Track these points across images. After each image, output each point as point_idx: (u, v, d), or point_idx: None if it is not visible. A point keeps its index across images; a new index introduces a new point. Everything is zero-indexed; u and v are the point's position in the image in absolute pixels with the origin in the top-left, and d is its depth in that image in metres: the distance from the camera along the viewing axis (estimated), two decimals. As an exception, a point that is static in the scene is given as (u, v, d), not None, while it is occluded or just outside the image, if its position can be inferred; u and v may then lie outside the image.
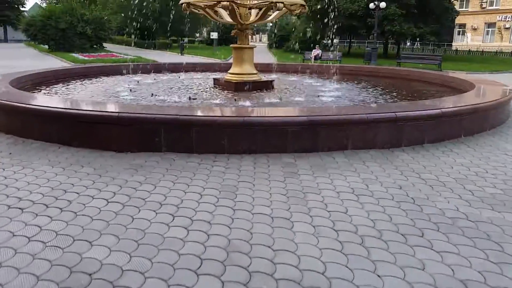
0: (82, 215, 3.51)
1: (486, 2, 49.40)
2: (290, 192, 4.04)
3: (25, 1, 63.64)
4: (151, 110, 5.65)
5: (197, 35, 68.02)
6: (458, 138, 6.29)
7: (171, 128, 5.33)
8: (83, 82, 11.30)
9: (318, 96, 9.02)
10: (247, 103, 7.90)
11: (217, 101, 8.16)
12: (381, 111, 5.76)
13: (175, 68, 14.97)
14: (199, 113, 5.71)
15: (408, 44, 48.35)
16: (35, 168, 4.76)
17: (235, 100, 8.35)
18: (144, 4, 34.36)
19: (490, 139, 6.41)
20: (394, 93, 9.84)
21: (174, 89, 10.06)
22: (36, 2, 64.27)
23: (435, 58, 22.88)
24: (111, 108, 5.92)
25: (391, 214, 3.58)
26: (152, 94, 8.86)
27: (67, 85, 10.50)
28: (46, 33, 31.77)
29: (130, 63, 13.69)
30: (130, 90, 9.49)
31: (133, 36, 45.75)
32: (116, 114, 5.40)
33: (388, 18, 29.30)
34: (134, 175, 4.51)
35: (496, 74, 20.91)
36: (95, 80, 11.80)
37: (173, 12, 29.00)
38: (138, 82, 11.29)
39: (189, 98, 8.52)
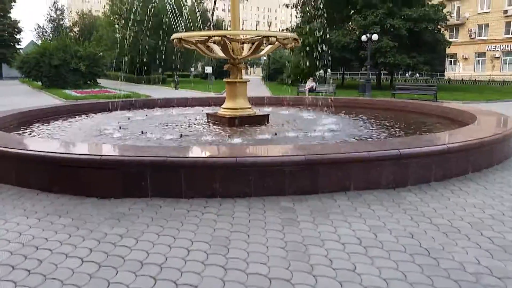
0: (52, 278, 3.05)
1: (475, 32, 50.37)
2: (290, 245, 3.59)
3: (21, 39, 64.28)
4: (137, 152, 5.25)
5: (192, 69, 68.65)
6: (466, 174, 5.91)
7: (158, 171, 4.92)
8: (71, 120, 10.94)
9: (315, 130, 8.69)
10: (241, 140, 7.54)
11: (209, 138, 7.78)
12: (383, 148, 5.39)
13: (167, 103, 14.70)
14: (188, 153, 5.32)
15: (407, 75, 48.77)
16: (7, 219, 4.30)
17: (228, 137, 8.00)
18: (141, 40, 34.60)
19: (499, 174, 6.02)
20: (393, 127, 9.53)
21: (165, 125, 9.72)
22: (32, 40, 64.88)
23: (430, 89, 22.84)
24: (94, 150, 5.52)
25: (405, 270, 3.13)
26: (142, 132, 8.49)
27: (54, 123, 10.13)
28: (39, 70, 31.74)
29: (121, 99, 13.44)
30: (120, 128, 9.12)
31: (121, 73, 45.98)
32: (99, 157, 4.99)
33: (381, 51, 29.57)
34: (114, 226, 4.06)
35: (492, 104, 20.82)
36: (84, 117, 11.45)
37: (167, 47, 29.14)
38: (129, 118, 10.96)
39: (181, 135, 8.17)
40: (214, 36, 9.21)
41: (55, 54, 31.29)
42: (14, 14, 62.96)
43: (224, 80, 10.58)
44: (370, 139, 7.66)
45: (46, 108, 12.21)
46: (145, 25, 30.39)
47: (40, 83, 33.61)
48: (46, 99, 23.69)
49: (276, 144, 7.37)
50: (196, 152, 5.51)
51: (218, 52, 10.41)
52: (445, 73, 49.60)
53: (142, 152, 5.19)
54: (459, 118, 10.11)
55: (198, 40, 9.86)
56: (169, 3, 11.49)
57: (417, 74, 46.59)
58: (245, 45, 10.13)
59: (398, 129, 9.13)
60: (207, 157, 5.12)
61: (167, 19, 11.54)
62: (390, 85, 35.59)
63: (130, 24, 30.05)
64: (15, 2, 62.67)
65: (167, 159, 4.89)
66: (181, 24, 11.98)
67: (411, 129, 9.19)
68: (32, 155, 5.32)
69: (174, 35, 9.90)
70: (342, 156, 5.10)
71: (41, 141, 6.98)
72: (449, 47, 38.31)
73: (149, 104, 14.69)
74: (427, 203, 4.74)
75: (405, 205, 4.65)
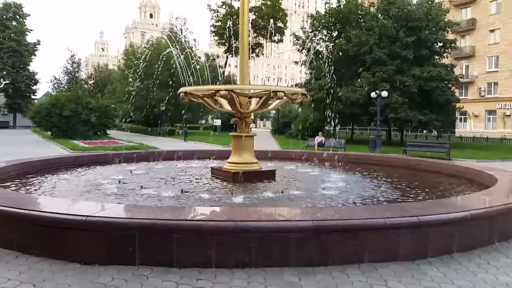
0: None
1: (485, 90, 50.58)
2: (292, 335, 3.00)
3: (37, 90, 66.17)
4: (126, 212, 4.78)
5: (203, 121, 69.44)
6: (491, 245, 5.29)
7: (148, 235, 4.42)
8: (71, 172, 10.59)
9: (324, 189, 8.17)
10: (243, 199, 7.04)
11: (211, 196, 7.29)
12: (401, 215, 4.84)
13: (173, 155, 14.37)
14: (181, 215, 4.82)
15: (418, 132, 48.35)
16: (-27, 288, 3.79)
17: (231, 194, 7.52)
18: (152, 93, 35.17)
19: (530, 245, 5.39)
20: (408, 187, 8.97)
21: (167, 180, 9.30)
22: (47, 91, 66.72)
23: (443, 146, 22.32)
24: (80, 209, 5.05)
25: None
26: (142, 187, 8.06)
27: (52, 176, 9.76)
28: (50, 120, 32.14)
29: (127, 151, 13.15)
30: (119, 182, 8.71)
31: (128, 124, 46.46)
32: (84, 217, 4.52)
33: (391, 106, 29.47)
34: (91, 303, 3.51)
35: (507, 162, 20.18)
36: (85, 170, 11.10)
37: (177, 99, 29.43)
38: (131, 171, 10.58)
39: (181, 191, 7.72)
40: (221, 90, 9.02)
41: (66, 105, 31.82)
42: (32, 66, 65.03)
43: (231, 134, 10.29)
44: (385, 203, 7.09)
45: (48, 159, 11.91)
46: (155, 79, 30.97)
47: (50, 133, 33.93)
48: (54, 149, 23.64)
49: (282, 204, 6.86)
50: (191, 214, 5.01)
51: (226, 106, 10.21)
52: (456, 130, 49.31)
53: (132, 213, 4.72)
54: (476, 178, 9.55)
55: (205, 94, 9.69)
56: (179, 59, 11.43)
57: (425, 131, 46.35)
58: (253, 99, 9.94)
59: (413, 191, 8.56)
60: (203, 220, 4.63)
61: (178, 74, 11.48)
62: (401, 141, 35.24)
63: (142, 77, 30.66)
64: (35, 55, 65.21)
65: (159, 221, 4.40)
66: (191, 78, 11.92)
67: (428, 191, 8.62)
68: (12, 213, 4.87)
69: (181, 89, 9.77)
70: (355, 223, 4.56)
71: (25, 197, 6.54)
72: (462, 107, 38.28)
73: (155, 156, 14.36)
74: (451, 279, 4.13)
75: (427, 282, 4.04)
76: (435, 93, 30.44)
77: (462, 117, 52.02)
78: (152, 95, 35.44)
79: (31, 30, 63.93)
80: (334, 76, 31.06)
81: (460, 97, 40.81)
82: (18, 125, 64.79)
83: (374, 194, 7.85)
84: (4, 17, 61.07)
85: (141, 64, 33.61)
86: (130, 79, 40.84)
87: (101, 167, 11.58)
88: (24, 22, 63.46)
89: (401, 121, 31.06)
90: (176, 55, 11.30)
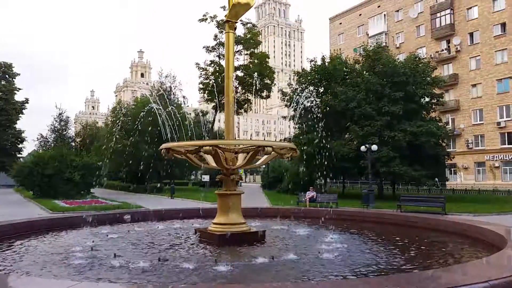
0: None
1: (472, 143, 51.02)
2: None
3: (23, 148, 65.13)
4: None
5: (192, 177, 68.52)
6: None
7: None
8: (42, 237, 9.67)
9: (319, 253, 7.40)
10: (227, 268, 6.24)
11: (191, 266, 6.46)
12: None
13: (156, 215, 13.47)
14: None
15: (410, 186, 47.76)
16: None
17: (215, 262, 6.71)
18: (143, 152, 34.57)
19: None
20: (409, 249, 8.22)
21: (145, 245, 8.44)
22: (34, 149, 65.77)
23: (437, 200, 21.75)
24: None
25: None
26: (115, 255, 7.21)
27: (17, 242, 8.82)
28: (32, 178, 31.10)
29: (107, 212, 12.29)
30: (91, 249, 7.83)
31: (114, 181, 45.30)
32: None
33: (382, 160, 29.09)
34: None
35: (505, 216, 19.58)
36: (58, 234, 10.18)
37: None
38: (107, 235, 9.70)
39: (159, 259, 6.89)
40: (205, 145, 8.48)
41: (49, 163, 30.91)
42: (19, 124, 64.60)
43: (216, 192, 9.63)
44: (385, 274, 6.27)
45: (19, 222, 10.98)
46: (141, 134, 30.55)
47: (32, 192, 32.74)
48: (32, 210, 22.57)
49: (273, 272, 6.09)
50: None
51: (211, 162, 9.64)
52: (447, 182, 49.05)
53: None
54: (480, 236, 8.87)
55: (188, 150, 9.16)
56: (163, 114, 10.98)
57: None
58: (240, 154, 9.42)
59: (414, 253, 7.82)
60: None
61: (164, 130, 11.02)
62: (393, 194, 34.63)
63: (129, 133, 30.16)
64: (22, 113, 64.92)
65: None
66: (178, 134, 11.46)
67: (431, 253, 7.87)
68: None
69: (163, 145, 9.24)
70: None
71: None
72: (451, 159, 38.19)
73: (136, 216, 13.45)
74: None
75: None
76: (425, 148, 30.25)
77: (452, 169, 52.04)
78: (141, 152, 34.83)
79: (19, 89, 64.13)
80: (323, 130, 30.96)
81: (448, 150, 40.93)
82: (2, 184, 63.10)
83: (375, 259, 7.09)
84: (-6, 76, 61.45)
85: (126, 119, 33.34)
86: (117, 136, 40.39)
87: (76, 231, 10.65)
88: (14, 81, 63.78)
89: (393, 175, 30.62)
90: (157, 109, 10.88)
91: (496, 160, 48.67)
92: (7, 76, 63.02)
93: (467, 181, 49.95)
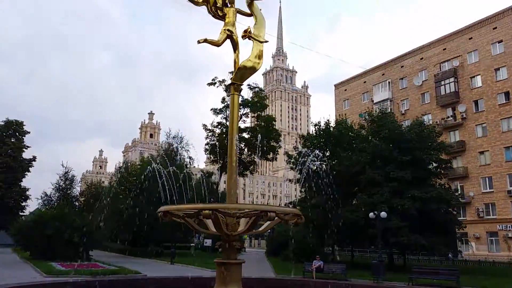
0: None
1: (483, 211, 49.57)
2: None
3: (26, 207, 64.41)
4: None
5: (195, 240, 66.59)
6: None
7: None
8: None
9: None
10: None
11: None
12: None
13: (152, 284, 12.62)
14: None
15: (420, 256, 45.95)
16: None
17: None
18: (145, 214, 33.75)
19: None
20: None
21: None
22: (37, 208, 64.97)
23: (451, 273, 20.47)
24: None
25: None
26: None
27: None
28: (31, 238, 30.18)
29: (101, 278, 11.54)
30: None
31: (115, 243, 43.70)
32: None
33: (392, 230, 27.89)
34: None
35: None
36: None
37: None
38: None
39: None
40: (205, 209, 8.02)
41: (50, 223, 30.12)
42: (24, 181, 64.51)
43: (215, 260, 8.98)
44: None
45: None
46: (144, 195, 29.99)
47: (28, 253, 31.65)
48: (27, 273, 21.59)
49: None
50: None
51: (211, 226, 9.12)
52: (460, 253, 46.98)
53: None
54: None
55: (186, 214, 8.68)
56: (164, 174, 10.67)
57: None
58: (242, 219, 8.89)
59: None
60: None
61: (171, 191, 10.67)
62: (404, 265, 33.01)
63: (133, 194, 29.66)
64: (29, 171, 65.02)
65: None
66: (181, 195, 11.06)
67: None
68: None
69: (161, 208, 8.81)
70: None
71: None
72: (463, 228, 36.88)
73: (131, 285, 12.62)
74: None
75: None
76: (435, 215, 29.17)
77: (464, 239, 50.11)
78: (143, 213, 34.00)
79: (28, 146, 64.69)
80: (329, 195, 30.18)
81: (459, 218, 39.61)
82: (1, 242, 61.61)
83: None
84: (4, 134, 62.27)
85: (131, 179, 32.91)
86: (121, 196, 39.82)
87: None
88: (23, 139, 64.56)
89: (403, 245, 29.25)
90: (157, 170, 10.57)
91: (509, 230, 46.91)
92: (17, 133, 63.93)
93: (480, 251, 47.84)
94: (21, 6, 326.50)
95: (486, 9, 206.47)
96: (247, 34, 10.32)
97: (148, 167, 12.99)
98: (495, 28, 50.97)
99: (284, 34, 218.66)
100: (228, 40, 10.25)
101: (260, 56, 10.35)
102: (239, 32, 10.40)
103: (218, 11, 10.34)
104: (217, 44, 10.07)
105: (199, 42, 9.79)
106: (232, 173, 9.38)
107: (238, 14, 10.61)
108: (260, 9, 10.83)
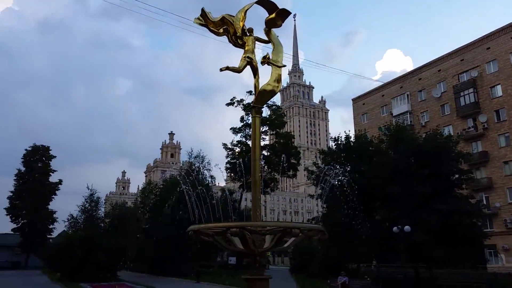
0: None
1: (511, 222, 48.42)
2: None
3: (53, 229, 66.03)
4: None
5: (218, 258, 66.67)
6: None
7: None
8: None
9: None
10: None
11: None
12: None
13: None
14: None
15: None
16: None
17: None
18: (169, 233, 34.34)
19: None
20: None
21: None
22: (64, 230, 66.50)
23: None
24: None
25: None
26: None
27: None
28: (60, 260, 31.11)
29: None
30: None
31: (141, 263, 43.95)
32: None
33: (416, 244, 27.65)
34: None
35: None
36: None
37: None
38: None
39: None
40: (232, 227, 8.49)
41: (78, 245, 31.05)
42: (52, 204, 66.37)
43: (243, 277, 9.39)
44: None
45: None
46: (168, 214, 30.59)
47: (58, 274, 32.57)
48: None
49: None
50: None
51: (238, 244, 9.54)
52: (487, 265, 45.83)
53: None
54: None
55: (215, 232, 9.14)
56: (191, 194, 11.17)
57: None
58: (267, 236, 9.30)
59: None
60: None
61: (193, 211, 11.15)
62: (430, 278, 32.52)
63: (157, 214, 30.19)
64: (55, 195, 66.87)
65: None
66: (206, 215, 11.54)
67: None
68: None
69: (191, 227, 9.30)
70: None
71: None
72: (490, 239, 36.19)
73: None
74: None
75: None
76: (459, 228, 28.81)
77: (492, 251, 48.91)
78: (169, 232, 34.59)
79: (55, 170, 66.82)
80: (352, 210, 30.22)
81: (486, 230, 38.86)
82: (31, 265, 63.06)
83: None
84: (32, 159, 64.47)
85: (155, 199, 33.55)
86: (146, 216, 40.61)
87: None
88: (49, 163, 66.64)
89: (429, 259, 28.85)
90: (186, 190, 11.09)
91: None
92: (43, 158, 66.09)
93: (510, 263, 46.59)
94: (47, 39, 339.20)
95: (499, 21, 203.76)
96: (266, 60, 10.93)
97: (178, 187, 13.52)
98: (514, 37, 50.60)
99: (299, 51, 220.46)
100: (247, 66, 10.85)
101: (278, 80, 10.93)
102: (258, 59, 11.02)
103: (238, 40, 10.96)
104: (238, 71, 10.67)
105: (221, 70, 10.42)
106: (256, 193, 9.83)
107: (256, 42, 11.24)
108: (277, 36, 11.45)
